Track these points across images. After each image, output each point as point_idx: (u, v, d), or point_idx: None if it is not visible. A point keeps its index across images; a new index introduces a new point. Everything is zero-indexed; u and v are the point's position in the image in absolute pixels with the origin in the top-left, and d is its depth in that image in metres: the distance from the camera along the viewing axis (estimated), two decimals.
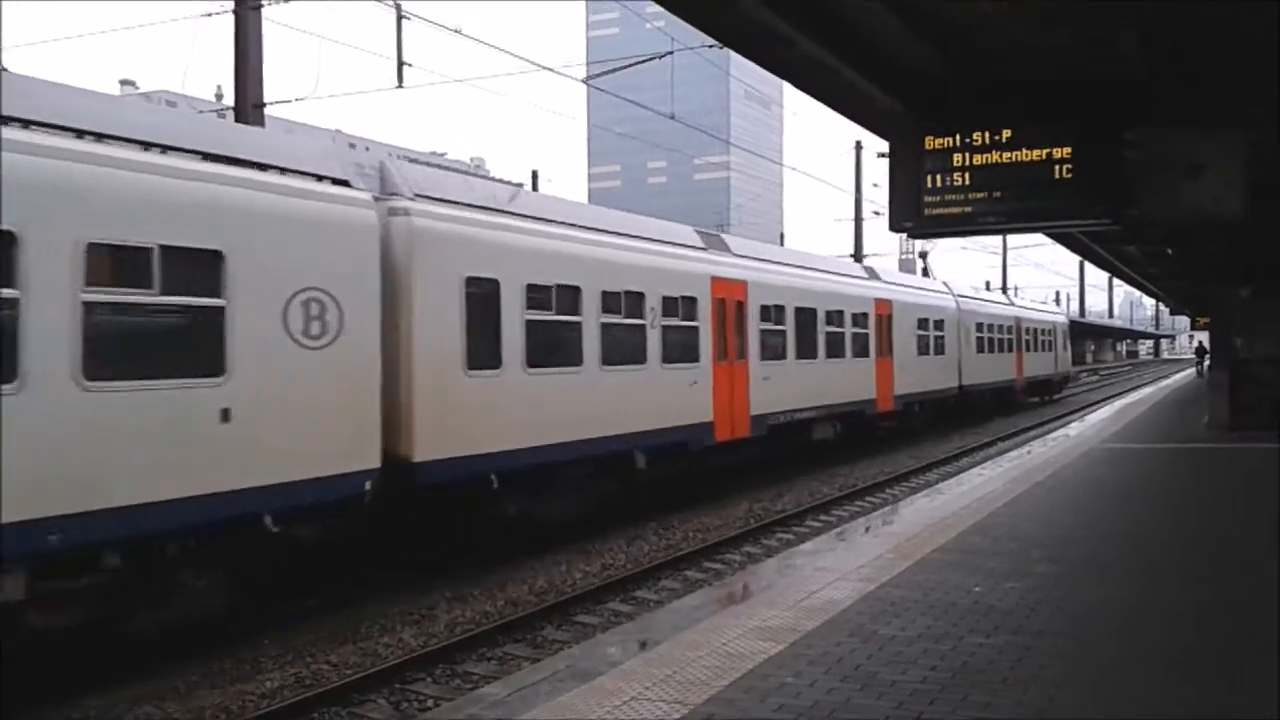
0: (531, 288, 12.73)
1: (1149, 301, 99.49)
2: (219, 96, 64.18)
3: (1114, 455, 17.58)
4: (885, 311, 25.20)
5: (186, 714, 8.01)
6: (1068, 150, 9.01)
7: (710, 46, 15.28)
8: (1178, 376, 61.17)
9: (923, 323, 27.92)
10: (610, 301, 14.29)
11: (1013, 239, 76.93)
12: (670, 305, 15.92)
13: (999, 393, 35.90)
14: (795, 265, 21.42)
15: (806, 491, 18.77)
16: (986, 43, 9.49)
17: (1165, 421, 25.35)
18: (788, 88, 11.52)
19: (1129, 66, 9.34)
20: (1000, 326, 35.78)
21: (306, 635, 9.87)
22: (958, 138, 9.39)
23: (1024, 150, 9.19)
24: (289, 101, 21.26)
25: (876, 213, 44.01)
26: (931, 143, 9.53)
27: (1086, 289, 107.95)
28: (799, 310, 20.31)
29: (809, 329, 20.79)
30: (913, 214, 9.67)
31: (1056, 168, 9.05)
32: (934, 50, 9.52)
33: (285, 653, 9.40)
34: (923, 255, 46.15)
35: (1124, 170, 9.21)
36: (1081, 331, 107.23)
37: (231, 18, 17.19)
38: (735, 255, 18.71)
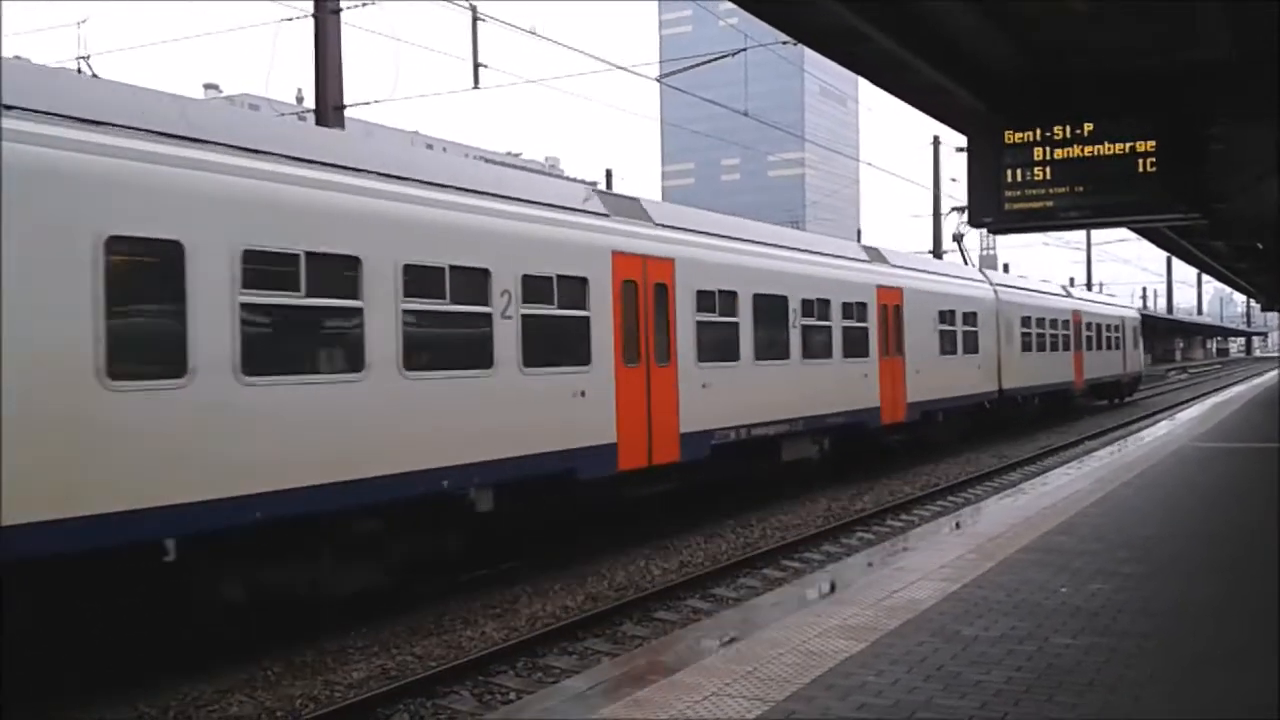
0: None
1: (1239, 298, 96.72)
2: (300, 99, 65.53)
3: (1204, 454, 17.17)
4: (893, 301, 21.10)
5: (277, 702, 8.25)
6: (1151, 144, 8.86)
7: (784, 43, 15.27)
8: (1270, 375, 59.38)
9: (947, 315, 23.74)
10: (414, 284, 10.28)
11: (1097, 234, 75.48)
12: (537, 288, 11.87)
13: (1054, 396, 31.62)
14: (753, 241, 16.92)
15: (887, 491, 18.63)
16: (1066, 35, 9.36)
17: (1257, 420, 24.65)
18: (864, 83, 11.48)
19: (1216, 57, 9.13)
20: (1053, 321, 31.44)
21: (390, 627, 10.08)
22: (1038, 132, 9.29)
23: (1106, 144, 9.06)
24: (368, 103, 21.68)
25: (955, 209, 43.46)
26: (1011, 137, 9.44)
27: (1174, 285, 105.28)
28: (759, 298, 16.24)
29: (775, 322, 16.78)
30: (993, 209, 9.58)
31: (1140, 161, 8.91)
32: (1013, 44, 9.40)
33: (371, 644, 9.62)
34: (957, 239, 36.90)
35: (1209, 164, 9.03)
36: (1167, 329, 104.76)
37: (311, 22, 17.60)
38: (655, 225, 14.34)
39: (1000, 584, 7.94)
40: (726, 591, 11.65)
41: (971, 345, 25.18)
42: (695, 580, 11.84)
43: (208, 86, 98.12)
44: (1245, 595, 7.64)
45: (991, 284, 28.01)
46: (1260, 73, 9.48)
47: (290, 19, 19.26)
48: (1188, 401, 39.46)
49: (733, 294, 15.56)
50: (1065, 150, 9.26)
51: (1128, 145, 9.05)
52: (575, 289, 12.35)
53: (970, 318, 25.25)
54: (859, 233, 76.67)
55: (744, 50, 21.57)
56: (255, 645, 9.29)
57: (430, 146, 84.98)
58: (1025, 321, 29.03)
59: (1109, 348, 37.58)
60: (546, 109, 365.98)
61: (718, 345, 15.10)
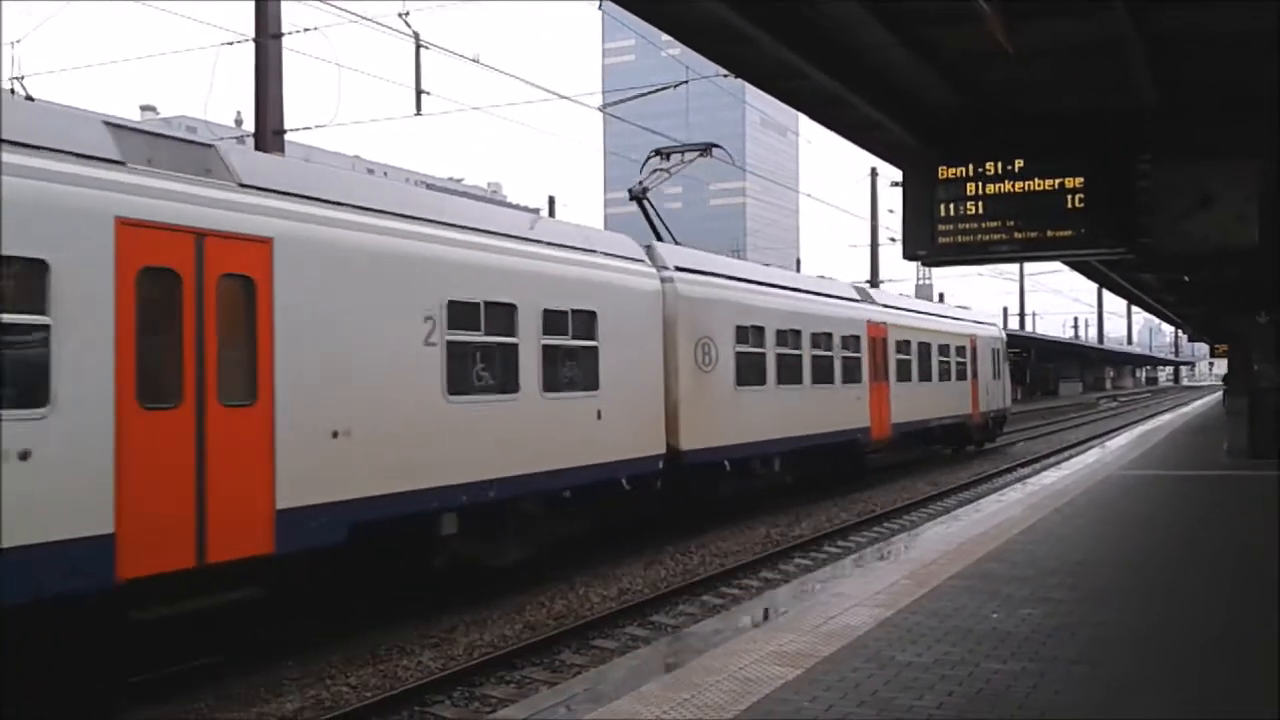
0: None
1: (1168, 328, 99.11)
2: (239, 122, 64.90)
3: (1133, 482, 17.55)
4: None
5: None
6: (1079, 180, 9.11)
7: (725, 76, 15.50)
8: (1197, 404, 60.89)
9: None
10: None
11: (1030, 266, 76.99)
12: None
13: (810, 457, 20.22)
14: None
15: (824, 517, 18.78)
16: (996, 75, 9.62)
17: (1185, 448, 25.25)
18: (803, 116, 11.69)
19: (1140, 98, 9.44)
20: (816, 338, 20.49)
21: (325, 658, 9.95)
22: (970, 167, 9.50)
23: (1036, 180, 9.29)
24: (309, 128, 21.57)
25: (893, 239, 44.14)
26: (944, 172, 9.64)
27: (1105, 315, 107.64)
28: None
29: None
30: (926, 242, 9.77)
31: (1069, 197, 9.15)
32: (946, 82, 9.64)
33: (304, 675, 9.49)
34: (636, 197, 18.75)
35: (1136, 200, 9.30)
36: (1098, 357, 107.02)
37: (252, 46, 17.49)
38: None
39: (933, 610, 8.06)
40: (665, 619, 11.67)
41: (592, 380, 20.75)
42: (634, 608, 11.84)
43: (144, 108, 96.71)
44: (1172, 620, 7.84)
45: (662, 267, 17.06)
46: (1182, 117, 9.83)
47: (231, 43, 19.16)
48: (1118, 429, 40.21)
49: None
50: (997, 185, 9.48)
51: (1057, 181, 9.29)
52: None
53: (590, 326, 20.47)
54: (798, 262, 77.52)
55: (685, 82, 21.82)
56: (188, 678, 9.12)
57: (371, 171, 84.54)
58: (745, 334, 17.97)
59: (951, 377, 28.67)
60: (489, 135, 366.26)
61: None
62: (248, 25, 17.60)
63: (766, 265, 22.14)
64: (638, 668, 6.97)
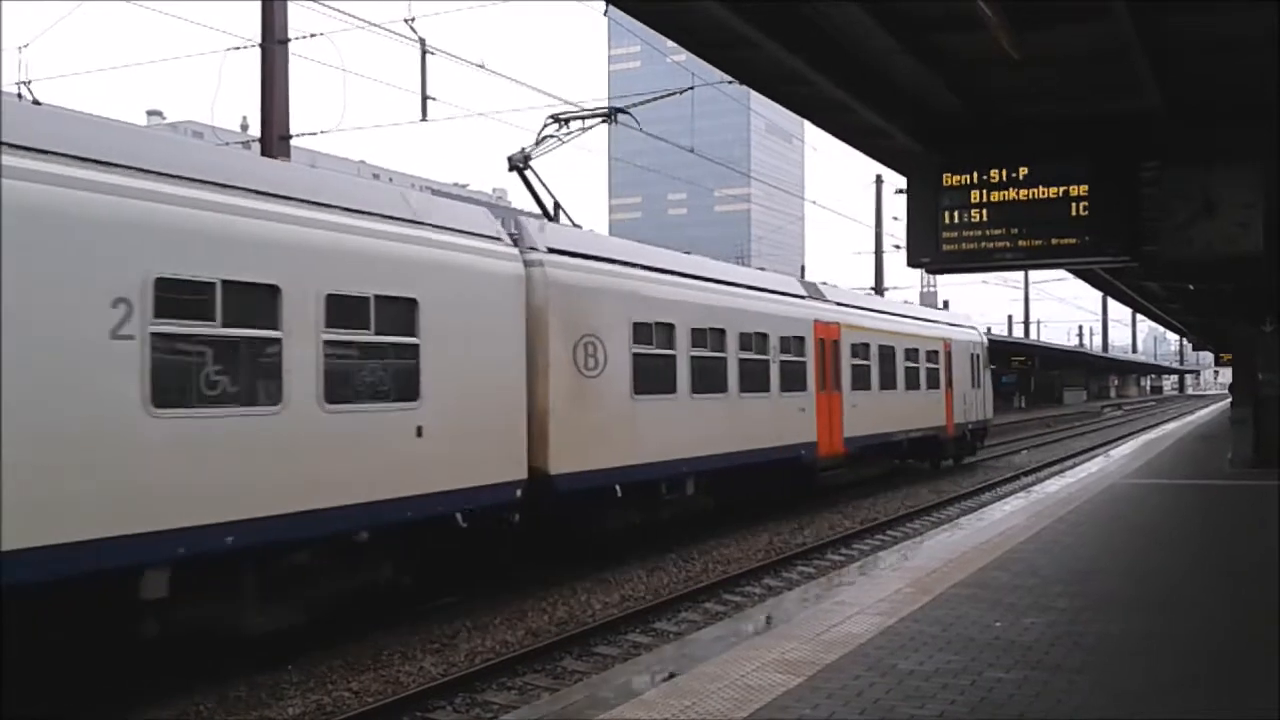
0: None
1: (1173, 337, 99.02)
2: (244, 127, 65.02)
3: (1137, 491, 17.51)
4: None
5: None
6: (1084, 188, 9.10)
7: (730, 82, 15.51)
8: (1202, 413, 60.77)
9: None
10: None
11: (1035, 274, 77.02)
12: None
13: (732, 480, 17.26)
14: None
15: (827, 525, 18.75)
16: (1001, 81, 9.61)
17: (1189, 457, 25.20)
18: (809, 123, 11.68)
19: (1145, 103, 9.43)
20: (746, 340, 17.67)
21: (327, 663, 9.94)
22: (975, 175, 9.49)
23: (1040, 187, 9.28)
24: (315, 133, 21.62)
25: (897, 246, 44.15)
26: (949, 179, 9.63)
27: (1110, 324, 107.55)
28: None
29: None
30: (930, 249, 9.76)
31: (1073, 205, 9.14)
32: (951, 89, 9.63)
33: (306, 680, 9.48)
34: (517, 166, 15.99)
35: (1140, 207, 9.28)
36: (1104, 366, 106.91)
37: (258, 51, 17.53)
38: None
39: (936, 618, 8.04)
40: (667, 625, 11.65)
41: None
42: (636, 614, 11.82)
43: (151, 113, 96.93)
44: (1175, 630, 7.81)
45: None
46: (1188, 123, 9.81)
47: (237, 48, 19.20)
48: (1122, 438, 40.14)
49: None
50: (1001, 193, 9.47)
51: (1062, 189, 9.27)
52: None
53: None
54: (803, 269, 77.45)
55: (691, 88, 21.84)
56: (187, 682, 9.11)
57: (376, 176, 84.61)
58: (648, 332, 15.07)
59: (920, 385, 25.77)
60: (495, 141, 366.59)
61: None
62: (254, 30, 17.65)
63: (687, 254, 18.14)
64: (639, 675, 6.96)
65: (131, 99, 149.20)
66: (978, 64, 9.17)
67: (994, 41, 7.77)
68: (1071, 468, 25.58)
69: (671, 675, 6.70)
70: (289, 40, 17.57)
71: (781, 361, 18.59)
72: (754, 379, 17.68)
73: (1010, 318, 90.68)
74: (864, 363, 22.33)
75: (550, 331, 12.90)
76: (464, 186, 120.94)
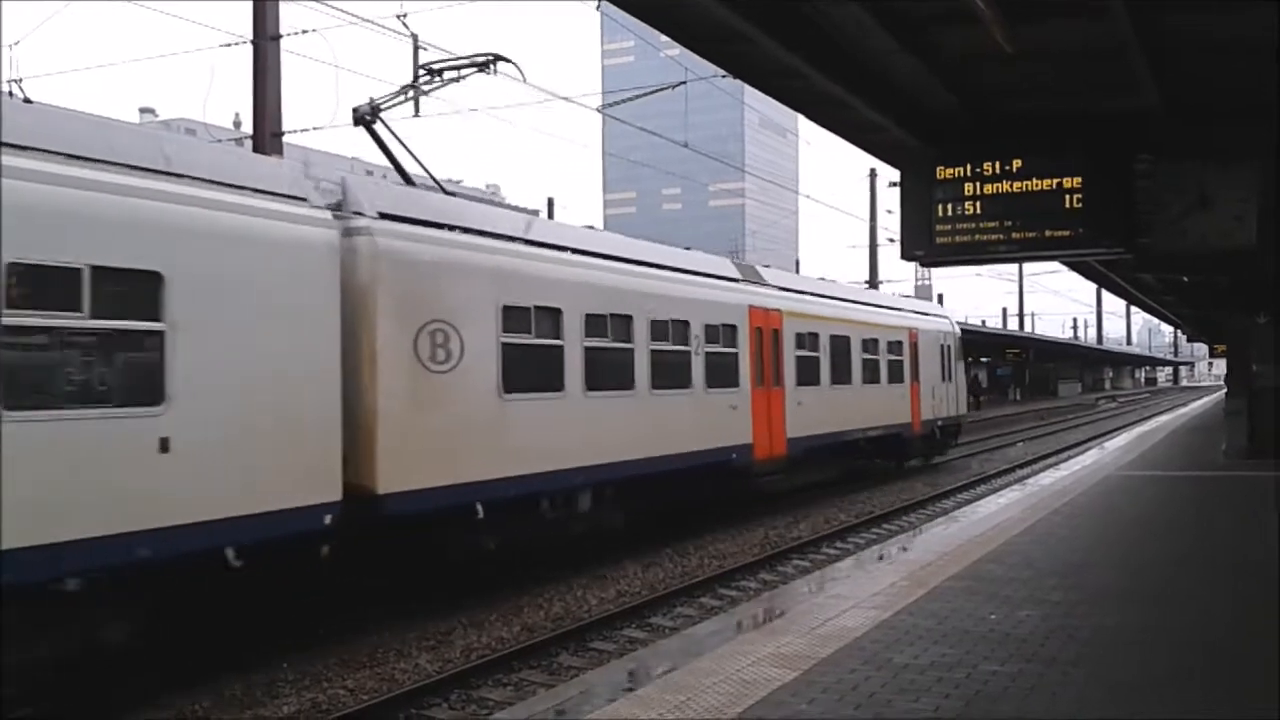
0: None
1: (1167, 329, 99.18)
2: (237, 124, 64.83)
3: (1131, 483, 17.54)
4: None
5: None
6: (1078, 180, 9.10)
7: (723, 76, 15.53)
8: (1196, 404, 60.90)
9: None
10: None
11: (1029, 267, 77.04)
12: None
13: (645, 490, 14.98)
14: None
15: (823, 519, 18.76)
16: (995, 75, 9.61)
17: (1183, 448, 25.25)
18: (802, 117, 11.68)
19: (1140, 98, 9.43)
20: (658, 328, 15.19)
21: (323, 660, 9.93)
22: (968, 167, 9.49)
23: (1034, 180, 9.28)
24: (307, 130, 21.58)
25: (892, 240, 44.15)
26: (943, 172, 9.63)
27: (1104, 316, 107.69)
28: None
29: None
30: (924, 242, 9.76)
31: (1067, 197, 9.14)
32: (945, 83, 9.63)
33: (301, 678, 9.47)
34: (366, 123, 13.44)
35: (1134, 200, 9.29)
36: (1098, 358, 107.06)
37: (250, 48, 17.48)
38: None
39: (931, 611, 8.04)
40: (663, 621, 11.65)
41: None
42: (632, 610, 11.82)
43: (143, 110, 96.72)
44: (1171, 622, 7.82)
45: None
46: (1182, 117, 9.82)
47: (229, 45, 19.15)
48: (1117, 430, 40.20)
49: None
50: (995, 186, 9.47)
51: (1055, 181, 9.28)
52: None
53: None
54: (797, 263, 77.46)
55: (684, 83, 21.83)
56: (182, 678, 9.10)
57: (370, 173, 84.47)
58: (523, 319, 12.59)
59: (880, 379, 23.54)
60: (487, 137, 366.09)
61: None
62: (246, 27, 17.60)
63: (579, 227, 16.21)
64: (635, 670, 6.97)
65: (124, 96, 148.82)
66: (972, 59, 9.18)
67: (988, 36, 7.77)
68: (1066, 460, 25.61)
69: (668, 670, 6.69)
70: (281, 36, 17.52)
71: (707, 353, 16.39)
72: (671, 374, 15.40)
73: (1005, 310, 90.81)
74: (812, 354, 20.19)
75: (379, 316, 10.45)
76: (458, 183, 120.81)
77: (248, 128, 19.21)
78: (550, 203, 46.97)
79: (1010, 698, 5.91)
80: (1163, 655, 6.91)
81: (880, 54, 9.10)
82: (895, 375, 24.25)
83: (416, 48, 18.95)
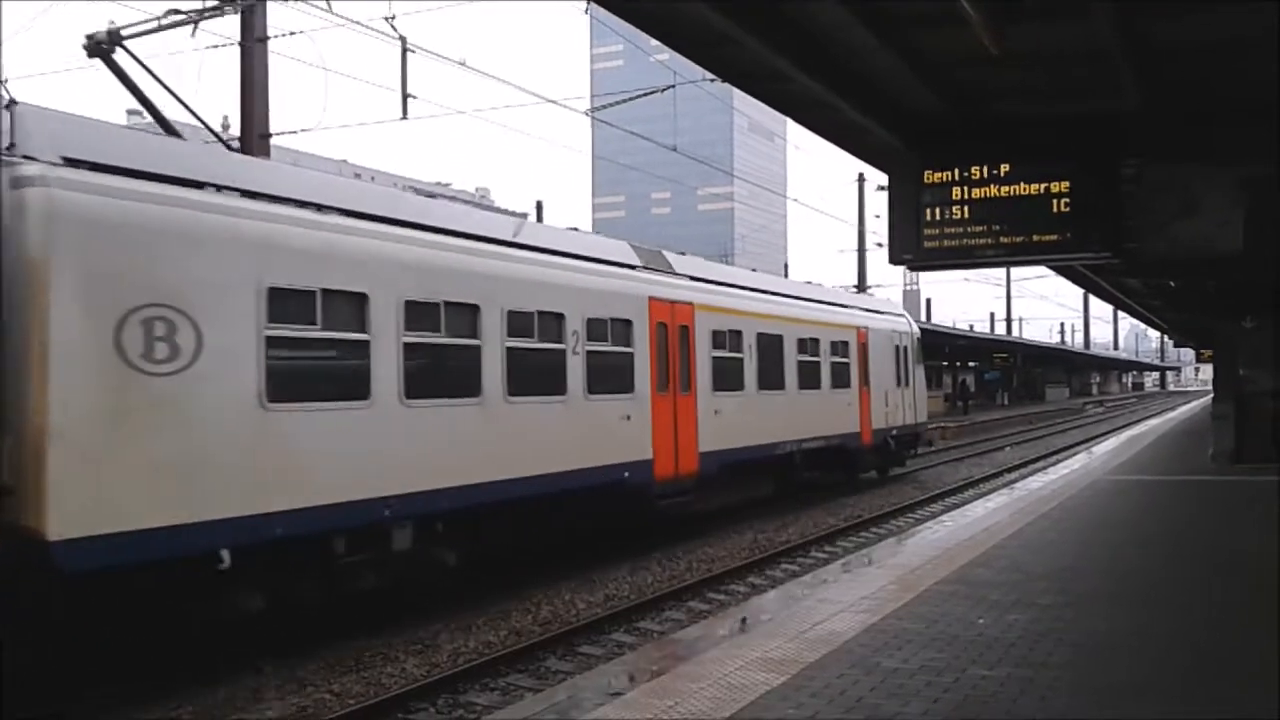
0: None
1: (1154, 333, 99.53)
2: (225, 127, 64.66)
3: (1119, 487, 17.58)
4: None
5: None
6: (1065, 185, 9.11)
7: (712, 80, 15.51)
8: (1183, 409, 61.13)
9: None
10: None
11: (1017, 271, 77.08)
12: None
13: (503, 522, 12.59)
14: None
15: (812, 523, 18.76)
16: (982, 78, 9.61)
17: (1170, 453, 25.33)
18: (791, 121, 11.66)
19: (1127, 102, 9.44)
20: (502, 319, 12.24)
21: (308, 665, 9.88)
22: (956, 172, 9.49)
23: (1022, 184, 9.29)
24: (295, 132, 21.51)
25: (880, 244, 44.21)
26: (930, 176, 9.63)
27: (1091, 320, 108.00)
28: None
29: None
30: (912, 247, 9.76)
31: (1054, 202, 9.15)
32: (931, 87, 9.63)
33: (286, 682, 9.41)
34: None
35: (1121, 205, 9.30)
36: (1085, 363, 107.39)
37: (238, 49, 17.41)
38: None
39: (920, 615, 8.03)
40: (651, 624, 11.62)
41: None
42: (620, 614, 11.78)
43: (131, 112, 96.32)
44: (1158, 625, 7.82)
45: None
46: (1169, 122, 9.83)
47: (216, 46, 19.05)
48: (1105, 434, 40.30)
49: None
50: (982, 190, 9.47)
51: (1043, 186, 9.29)
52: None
53: None
54: (785, 267, 77.46)
55: (673, 86, 21.83)
56: (166, 684, 9.03)
57: (359, 175, 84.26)
58: (304, 305, 9.88)
59: (821, 384, 21.10)
60: (477, 140, 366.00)
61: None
62: (234, 29, 17.52)
63: (402, 192, 13.88)
64: (623, 674, 6.93)
65: (112, 99, 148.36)
66: (959, 62, 9.17)
67: (976, 39, 7.77)
68: (1054, 464, 25.65)
69: (655, 674, 6.67)
70: (268, 39, 17.45)
71: (589, 353, 13.71)
72: (536, 377, 12.72)
73: (993, 315, 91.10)
74: (733, 355, 17.64)
75: (56, 296, 7.82)
76: (446, 185, 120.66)
77: (236, 130, 19.12)
78: (539, 206, 46.87)
79: (999, 702, 5.90)
80: (1151, 658, 6.91)
81: (865, 55, 9.08)
82: (840, 380, 21.88)
83: (405, 50, 18.92)
